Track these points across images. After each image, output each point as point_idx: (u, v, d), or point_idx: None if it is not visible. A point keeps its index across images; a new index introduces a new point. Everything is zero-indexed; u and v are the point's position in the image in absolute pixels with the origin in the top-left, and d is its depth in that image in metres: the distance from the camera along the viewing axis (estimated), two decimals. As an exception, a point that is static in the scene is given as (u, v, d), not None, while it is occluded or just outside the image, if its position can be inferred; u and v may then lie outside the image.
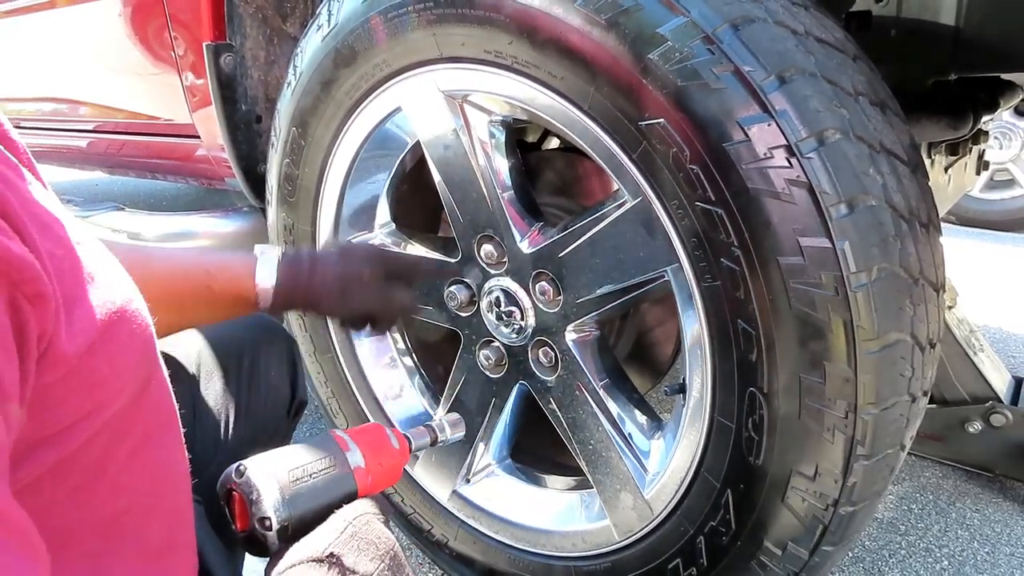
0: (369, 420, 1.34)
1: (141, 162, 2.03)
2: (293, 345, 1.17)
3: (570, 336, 1.07)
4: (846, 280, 0.77)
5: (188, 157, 1.78)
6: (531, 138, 1.50)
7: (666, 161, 0.84)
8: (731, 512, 0.91)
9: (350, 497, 0.78)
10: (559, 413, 1.11)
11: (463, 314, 1.18)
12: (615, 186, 0.93)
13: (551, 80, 0.91)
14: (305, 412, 1.23)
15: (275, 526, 0.73)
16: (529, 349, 1.12)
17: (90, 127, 2.10)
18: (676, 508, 0.98)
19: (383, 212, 1.26)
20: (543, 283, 1.06)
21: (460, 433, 1.04)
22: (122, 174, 2.28)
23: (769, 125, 0.77)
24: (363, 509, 0.75)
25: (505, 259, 1.09)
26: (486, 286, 1.13)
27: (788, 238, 0.78)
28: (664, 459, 1.01)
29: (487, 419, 1.21)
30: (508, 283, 1.11)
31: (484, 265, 1.13)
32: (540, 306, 1.08)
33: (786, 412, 0.83)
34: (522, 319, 1.11)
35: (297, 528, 0.74)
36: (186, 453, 0.65)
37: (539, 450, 1.27)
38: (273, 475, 0.74)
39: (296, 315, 1.36)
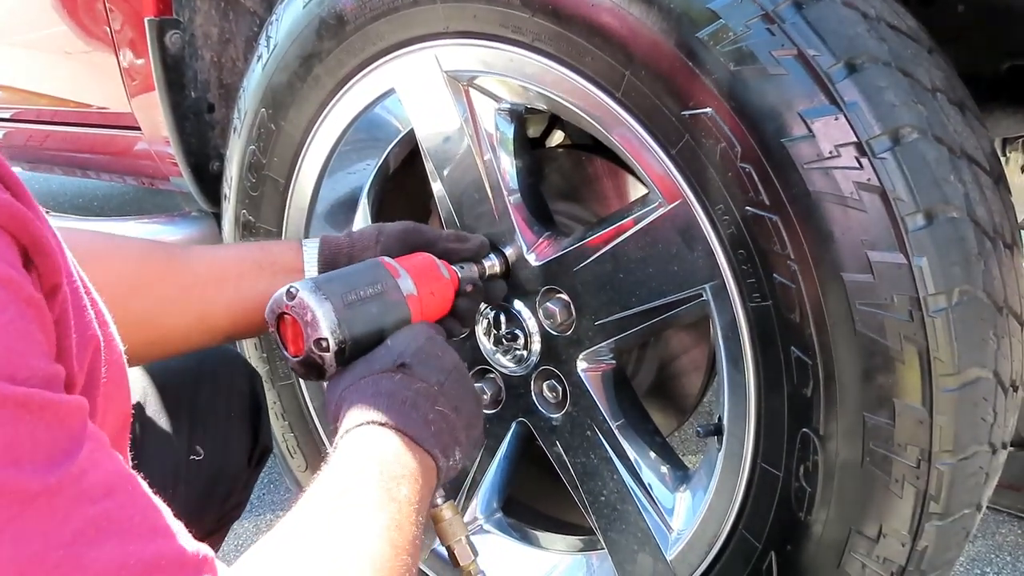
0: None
1: (69, 157, 2.01)
2: (256, 380, 1.15)
3: (582, 366, 1.06)
4: (922, 303, 0.76)
5: (126, 152, 1.76)
6: (532, 131, 1.49)
7: (712, 158, 0.83)
8: (775, 579, 0.89)
9: (404, 323, 0.86)
10: (566, 458, 1.09)
11: (452, 337, 1.15)
12: (641, 190, 0.92)
13: (578, 61, 0.90)
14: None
15: (332, 347, 0.80)
16: (532, 381, 1.10)
17: (6, 115, 2.07)
18: (707, 574, 0.95)
19: (363, 214, 1.24)
20: (552, 302, 1.05)
21: (509, 262, 1.07)
22: (46, 171, 2.26)
23: (836, 119, 0.77)
24: (424, 329, 0.86)
25: (508, 272, 1.08)
26: (483, 305, 1.11)
27: (855, 251, 0.77)
28: (692, 514, 0.98)
29: (476, 465, 1.18)
30: (511, 300, 1.09)
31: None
32: (548, 330, 1.06)
33: (845, 459, 0.82)
34: (525, 345, 1.09)
35: (353, 351, 0.81)
36: None
37: (537, 503, 1.24)
38: (327, 296, 0.81)
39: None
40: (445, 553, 0.88)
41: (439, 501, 0.84)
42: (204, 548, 0.54)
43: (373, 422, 0.74)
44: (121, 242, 0.99)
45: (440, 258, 0.97)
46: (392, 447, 0.73)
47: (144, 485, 0.54)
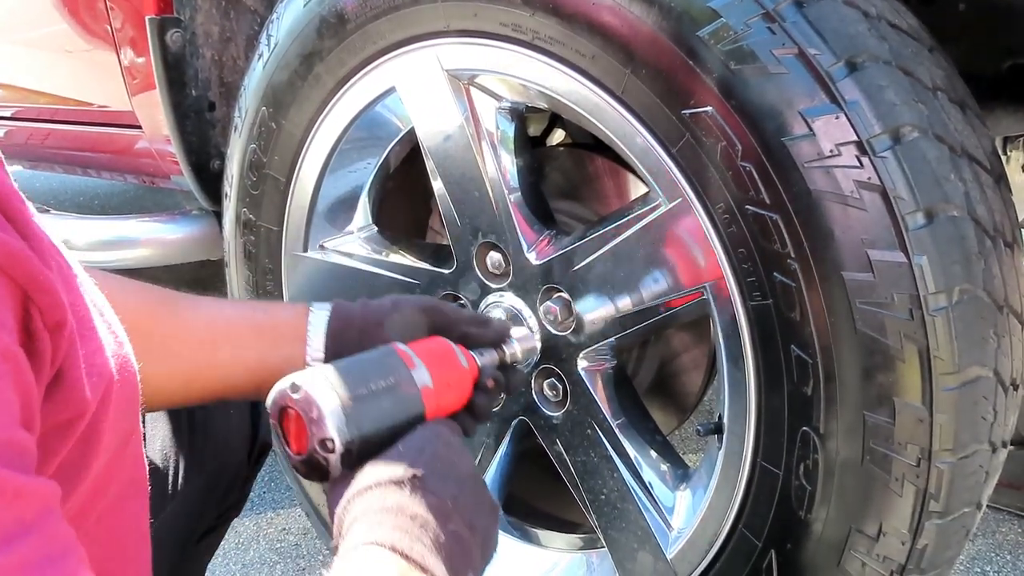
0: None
1: (69, 155, 2.00)
2: None
3: (582, 364, 1.06)
4: (923, 302, 0.76)
5: (126, 150, 1.75)
6: (533, 130, 1.49)
7: (712, 157, 0.83)
8: (775, 578, 0.89)
9: (417, 420, 0.79)
10: (566, 456, 1.09)
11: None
12: (641, 188, 0.92)
13: (579, 60, 0.90)
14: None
15: (339, 449, 0.73)
16: (533, 379, 1.10)
17: (7, 113, 2.07)
18: (707, 572, 0.95)
19: (363, 213, 1.24)
20: (553, 301, 1.05)
21: (532, 347, 1.02)
22: (46, 169, 2.25)
23: (837, 118, 0.77)
24: (439, 430, 0.78)
25: (509, 271, 1.08)
26: (484, 303, 1.11)
27: (855, 250, 0.77)
28: (692, 513, 0.98)
29: (476, 462, 1.18)
30: (511, 299, 1.09)
31: (483, 278, 1.11)
32: (548, 328, 1.06)
33: (846, 458, 0.82)
34: (526, 343, 1.09)
35: (361, 451, 0.74)
36: (148, 519, 0.63)
37: (536, 501, 1.24)
38: (334, 391, 0.74)
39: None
40: None
41: None
42: None
43: (377, 543, 0.67)
44: (118, 285, 0.91)
45: (458, 343, 0.89)
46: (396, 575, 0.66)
47: None
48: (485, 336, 0.93)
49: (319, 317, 0.91)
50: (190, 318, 0.89)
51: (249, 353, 0.89)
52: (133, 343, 0.85)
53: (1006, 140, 1.37)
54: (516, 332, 0.97)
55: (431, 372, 0.81)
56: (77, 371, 0.53)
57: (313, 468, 0.75)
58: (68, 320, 0.52)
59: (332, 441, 0.73)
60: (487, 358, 0.91)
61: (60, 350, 0.51)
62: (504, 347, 0.94)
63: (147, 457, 0.97)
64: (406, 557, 0.66)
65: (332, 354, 0.89)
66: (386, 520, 0.68)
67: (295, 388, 0.74)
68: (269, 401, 0.77)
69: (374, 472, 0.72)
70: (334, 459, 0.73)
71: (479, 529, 0.74)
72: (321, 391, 0.74)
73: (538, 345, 1.03)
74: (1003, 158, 1.38)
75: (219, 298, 0.97)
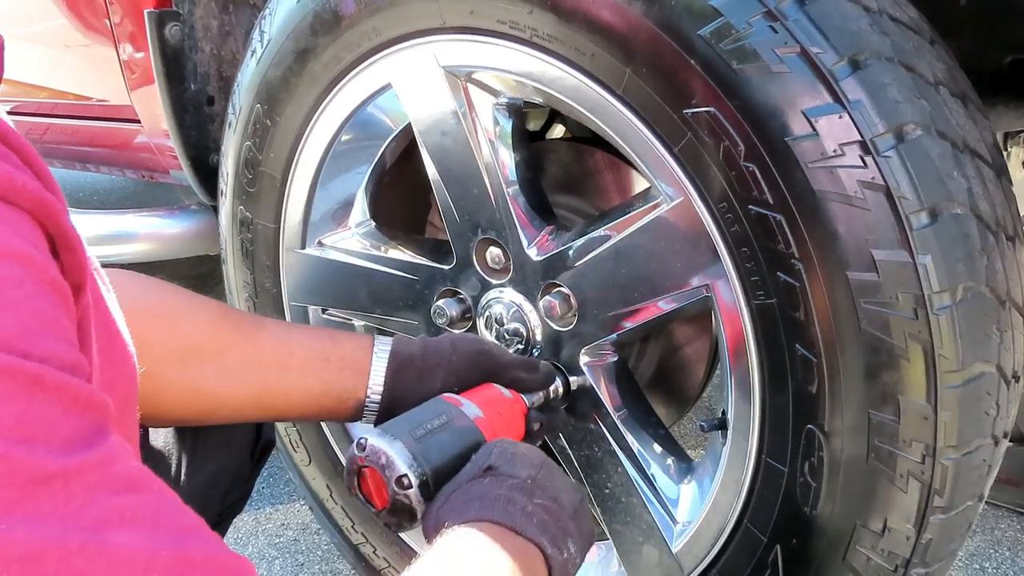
0: (337, 456, 1.31)
1: (68, 150, 1.98)
2: None
3: (584, 359, 1.06)
4: (927, 301, 0.76)
5: (126, 145, 1.74)
6: (533, 125, 1.49)
7: (715, 157, 0.83)
8: (780, 573, 0.90)
9: (479, 445, 0.83)
10: (570, 451, 1.09)
11: (455, 331, 1.15)
12: (643, 184, 0.92)
13: (578, 58, 0.89)
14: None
15: (415, 482, 0.78)
16: (535, 374, 1.10)
17: (6, 108, 2.03)
18: (712, 566, 0.96)
19: (361, 208, 1.23)
20: (553, 297, 1.04)
21: (580, 383, 1.05)
22: (45, 163, 2.23)
23: (840, 117, 0.77)
24: (502, 440, 0.83)
25: (509, 267, 1.07)
26: (484, 299, 1.11)
27: (859, 250, 0.77)
28: (697, 507, 0.99)
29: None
30: (511, 295, 1.09)
31: (483, 274, 1.10)
32: (549, 324, 1.06)
33: (851, 455, 0.82)
34: (527, 338, 1.09)
35: (437, 482, 0.79)
36: None
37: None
38: (395, 435, 0.80)
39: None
40: None
41: None
42: (244, 561, 0.51)
43: (468, 521, 0.70)
44: (192, 302, 0.95)
45: (508, 386, 0.96)
46: (487, 540, 0.68)
47: (175, 494, 0.51)
48: (534, 381, 0.99)
49: (383, 351, 0.95)
50: (264, 340, 0.93)
51: (315, 380, 0.93)
52: (207, 363, 0.89)
53: (1007, 136, 1.37)
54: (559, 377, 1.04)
55: (480, 406, 0.88)
56: (89, 348, 0.52)
57: (401, 511, 0.79)
58: (87, 285, 0.52)
59: (407, 477, 0.78)
60: (534, 398, 0.98)
61: (77, 314, 0.51)
62: (550, 388, 1.01)
63: (154, 449, 0.98)
64: (496, 523, 0.70)
65: (389, 389, 0.94)
66: (473, 505, 0.72)
67: (361, 447, 0.80)
68: (345, 474, 0.83)
69: (454, 481, 0.77)
70: (414, 493, 0.78)
71: (566, 504, 0.76)
72: (383, 439, 0.79)
73: (583, 380, 1.06)
74: (1004, 154, 1.38)
75: (290, 323, 1.04)
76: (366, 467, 0.80)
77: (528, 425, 0.94)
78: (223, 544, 0.51)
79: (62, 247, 0.50)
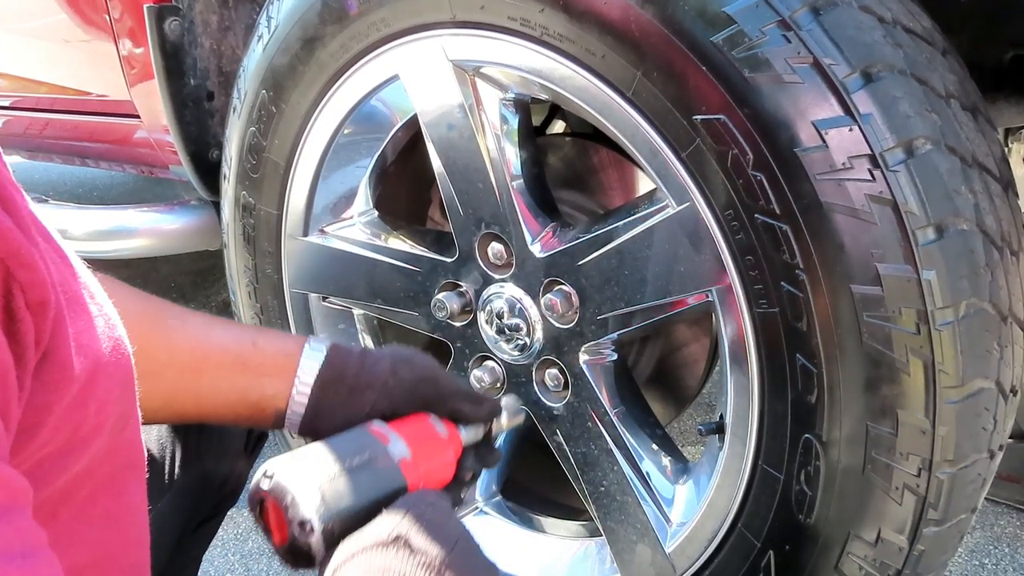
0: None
1: (68, 145, 1.97)
2: None
3: (584, 357, 1.06)
4: (930, 316, 0.77)
5: (125, 140, 1.73)
6: (533, 120, 1.47)
7: (723, 164, 0.82)
8: (773, 577, 0.90)
9: (399, 493, 0.76)
10: (566, 447, 1.10)
11: (455, 324, 1.15)
12: (647, 182, 0.91)
13: (588, 59, 0.89)
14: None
15: (317, 528, 0.71)
16: (534, 370, 1.11)
17: (6, 103, 2.04)
18: (704, 568, 0.97)
19: (364, 197, 1.23)
20: (555, 294, 1.04)
21: (519, 421, 0.97)
22: (45, 159, 2.22)
23: (851, 130, 0.76)
24: (423, 495, 0.75)
25: (511, 262, 1.07)
26: (486, 293, 1.11)
27: (864, 264, 0.77)
28: (691, 508, 1.00)
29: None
30: (513, 291, 1.09)
31: (485, 268, 1.10)
32: (550, 320, 1.06)
33: (847, 465, 0.83)
34: (527, 334, 1.09)
35: (343, 530, 0.71)
36: (147, 503, 0.63)
37: (538, 487, 1.26)
38: (306, 473, 0.73)
39: (252, 308, 1.32)
40: None
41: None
42: None
43: None
44: (120, 290, 0.86)
45: (447, 417, 0.88)
46: None
47: None
48: (476, 415, 0.91)
49: (312, 360, 0.88)
50: (178, 340, 0.87)
51: (230, 385, 0.87)
52: None
53: (1007, 132, 1.36)
54: (506, 403, 0.94)
55: (409, 445, 0.80)
56: (66, 351, 0.51)
57: (298, 555, 0.73)
58: (52, 299, 0.50)
59: (309, 523, 0.71)
60: (470, 434, 0.89)
61: (45, 331, 0.49)
62: (493, 422, 0.92)
63: (146, 446, 0.98)
64: None
65: (315, 402, 0.87)
66: None
67: (267, 478, 0.73)
68: (248, 498, 0.76)
69: (358, 539, 0.69)
70: (315, 540, 0.71)
71: None
72: (293, 475, 0.72)
73: (523, 418, 0.99)
74: (1005, 150, 1.37)
75: (213, 318, 0.93)
76: (269, 499, 0.73)
77: (458, 472, 0.87)
78: None
79: (17, 266, 0.47)
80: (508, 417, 0.93)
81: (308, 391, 0.86)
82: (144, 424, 0.90)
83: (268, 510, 0.74)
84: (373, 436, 0.80)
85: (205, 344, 0.88)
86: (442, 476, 0.84)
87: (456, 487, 0.88)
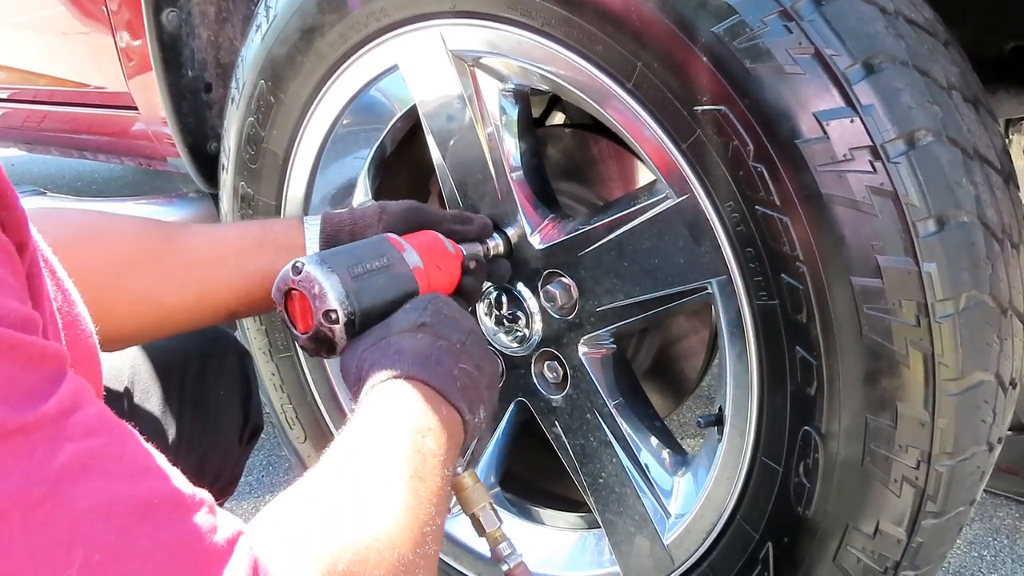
0: (332, 433, 1.31)
1: (66, 137, 1.97)
2: (247, 359, 1.14)
3: (583, 349, 1.06)
4: (930, 309, 0.76)
5: (123, 132, 1.73)
6: (533, 111, 1.47)
7: (723, 155, 0.82)
8: (771, 570, 0.90)
9: (412, 295, 0.85)
10: (565, 439, 1.09)
11: None
12: (647, 174, 0.91)
13: (589, 49, 0.88)
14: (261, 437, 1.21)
15: (342, 319, 0.78)
16: (533, 362, 1.11)
17: (3, 95, 2.04)
18: (703, 559, 0.97)
19: (363, 188, 1.22)
20: (554, 285, 1.04)
21: (513, 242, 1.06)
22: (43, 151, 2.22)
23: (852, 121, 0.76)
24: (437, 295, 0.86)
25: (511, 253, 1.07)
26: (484, 285, 1.11)
27: (865, 256, 0.77)
28: (690, 500, 0.99)
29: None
30: (512, 282, 1.08)
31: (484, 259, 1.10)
32: (549, 312, 1.06)
33: (846, 458, 0.82)
34: (526, 326, 1.09)
35: (363, 323, 0.80)
36: None
37: (536, 479, 1.26)
38: (333, 269, 0.79)
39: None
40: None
41: (459, 470, 0.83)
42: (202, 492, 0.52)
43: (399, 376, 0.74)
44: (116, 220, 0.97)
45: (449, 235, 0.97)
46: (418, 399, 0.73)
47: (134, 432, 0.51)
48: (469, 232, 1.01)
49: (313, 226, 0.97)
50: (195, 240, 0.95)
51: (255, 266, 0.94)
52: (145, 272, 0.90)
53: (1008, 123, 1.36)
54: (494, 241, 1.05)
55: (421, 255, 0.88)
56: (41, 294, 0.52)
57: (320, 342, 0.80)
58: (30, 245, 0.51)
59: (335, 312, 0.78)
60: (471, 249, 0.99)
61: (20, 273, 0.50)
62: (487, 241, 1.03)
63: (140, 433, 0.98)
64: (427, 384, 0.74)
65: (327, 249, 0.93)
66: (404, 359, 0.75)
67: (296, 270, 0.80)
68: (274, 290, 0.82)
69: (385, 328, 0.79)
70: (339, 329, 0.79)
71: (486, 372, 0.81)
72: (320, 269, 0.79)
73: (514, 242, 1.07)
74: (1007, 140, 1.36)
75: (215, 223, 1.04)
76: (297, 291, 0.80)
77: (464, 266, 0.96)
78: (179, 477, 0.52)
79: (1, 206, 0.49)
80: (502, 238, 1.05)
81: (318, 247, 0.96)
82: (190, 329, 0.99)
83: (294, 301, 0.81)
84: (391, 244, 0.87)
85: (221, 236, 0.97)
86: (449, 285, 0.93)
87: (461, 294, 0.97)
